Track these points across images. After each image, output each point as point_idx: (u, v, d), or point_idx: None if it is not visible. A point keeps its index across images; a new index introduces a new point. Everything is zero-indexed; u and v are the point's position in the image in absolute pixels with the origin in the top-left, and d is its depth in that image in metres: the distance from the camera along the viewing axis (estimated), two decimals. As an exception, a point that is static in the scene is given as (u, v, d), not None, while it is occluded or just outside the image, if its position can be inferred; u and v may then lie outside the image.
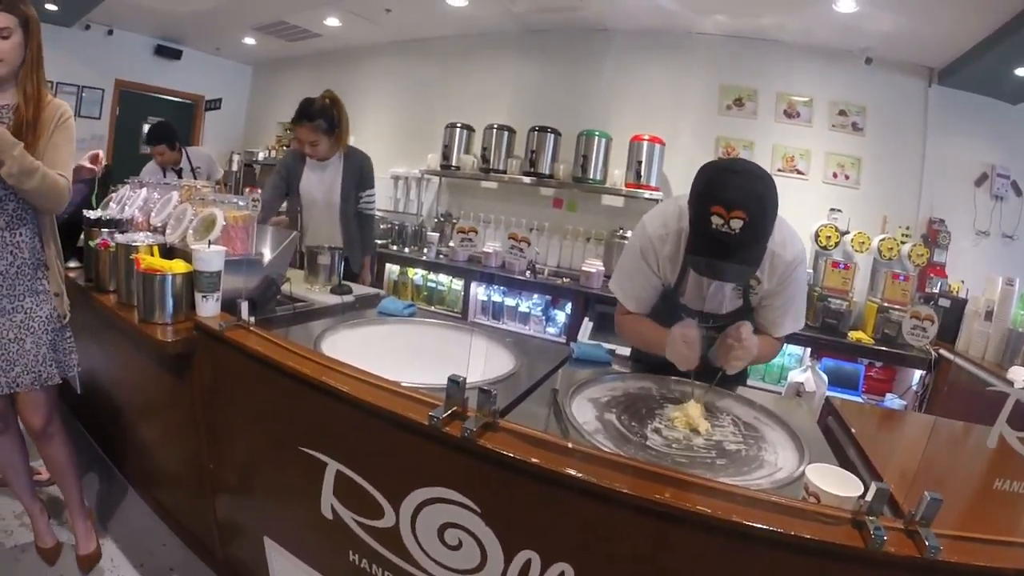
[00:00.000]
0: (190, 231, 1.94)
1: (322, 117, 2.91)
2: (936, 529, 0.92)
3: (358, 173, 3.07)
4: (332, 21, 5.44)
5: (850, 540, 0.93)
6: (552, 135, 4.68)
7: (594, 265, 4.30)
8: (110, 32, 6.14)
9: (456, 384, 1.15)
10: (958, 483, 1.26)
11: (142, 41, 6.45)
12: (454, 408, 1.15)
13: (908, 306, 3.58)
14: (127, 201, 2.49)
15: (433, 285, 5.06)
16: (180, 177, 4.15)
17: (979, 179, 4.12)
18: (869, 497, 0.96)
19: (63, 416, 1.98)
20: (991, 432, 0.96)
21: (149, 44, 6.50)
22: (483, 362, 1.62)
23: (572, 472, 1.03)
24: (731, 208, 1.34)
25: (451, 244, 4.76)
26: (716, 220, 1.35)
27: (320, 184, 3.04)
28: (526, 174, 4.76)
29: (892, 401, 3.72)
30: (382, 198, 5.54)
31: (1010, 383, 2.37)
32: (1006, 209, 4.12)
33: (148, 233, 2.13)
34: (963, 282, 3.90)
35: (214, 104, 7.07)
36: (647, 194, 4.31)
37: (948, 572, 0.92)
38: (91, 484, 2.43)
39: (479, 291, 4.76)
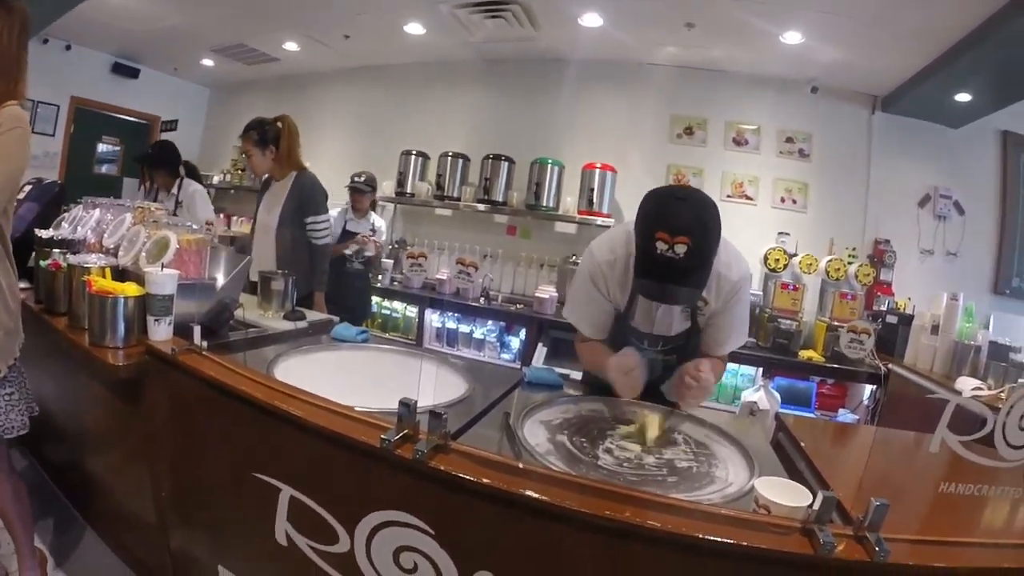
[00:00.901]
0: (143, 253, 1.91)
1: (255, 130, 2.93)
2: (886, 534, 0.95)
3: (299, 196, 3.01)
4: (291, 46, 5.46)
5: (800, 548, 0.95)
6: (506, 163, 4.78)
7: (547, 291, 4.35)
8: (68, 47, 6.03)
9: (407, 407, 1.15)
10: (907, 489, 1.30)
11: (100, 58, 6.35)
12: (405, 431, 1.15)
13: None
14: (80, 222, 2.43)
15: (387, 312, 5.04)
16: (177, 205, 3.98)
17: (922, 200, 4.34)
18: (817, 506, 0.98)
19: (9, 466, 1.87)
20: (933, 438, 1.00)
21: (107, 61, 6.41)
22: (434, 386, 1.62)
23: (524, 491, 1.04)
24: (675, 234, 1.38)
25: (404, 271, 4.76)
26: (661, 246, 1.39)
27: (267, 206, 3.03)
28: (480, 201, 4.83)
29: (844, 416, 3.82)
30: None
31: (956, 391, 2.47)
32: (949, 228, 4.34)
33: (100, 255, 2.08)
34: (909, 299, 4.08)
35: (170, 125, 6.96)
36: (599, 221, 4.41)
37: (899, 574, 0.95)
38: (42, 516, 2.32)
39: (433, 318, 4.76)
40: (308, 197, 3.04)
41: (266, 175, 3.12)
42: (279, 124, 2.98)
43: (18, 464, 2.55)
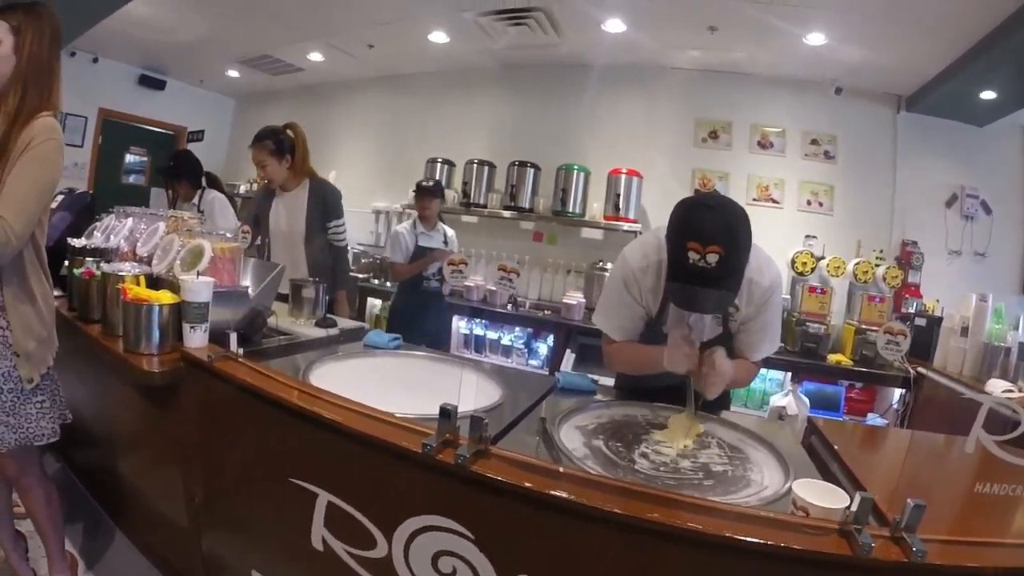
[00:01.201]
0: (177, 262, 1.94)
1: (270, 139, 2.92)
2: (922, 535, 0.95)
3: (322, 203, 3.03)
4: (315, 56, 5.52)
5: (839, 549, 0.95)
6: (532, 169, 4.78)
7: (575, 297, 4.35)
8: (95, 60, 6.16)
9: (448, 413, 1.17)
10: (942, 491, 1.30)
11: (126, 70, 6.48)
12: (446, 436, 1.17)
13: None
14: (112, 231, 2.48)
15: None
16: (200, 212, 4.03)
17: (949, 200, 4.27)
18: (854, 507, 0.98)
19: (40, 471, 1.89)
20: (968, 438, 1.00)
21: (133, 74, 6.54)
22: (474, 392, 1.63)
23: (564, 495, 1.04)
24: (707, 244, 1.39)
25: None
26: (693, 256, 1.40)
27: (285, 215, 3.04)
28: (506, 208, 4.85)
29: (873, 420, 3.77)
30: (363, 232, 5.57)
31: (987, 394, 2.43)
32: (976, 228, 4.27)
33: (134, 263, 2.13)
34: (938, 301, 4.01)
35: (196, 136, 7.07)
36: (626, 226, 4.41)
37: (937, 575, 0.94)
38: (73, 520, 2.37)
39: (461, 324, 4.77)
40: (332, 203, 3.07)
41: (269, 185, 3.11)
42: (290, 132, 2.99)
43: (49, 468, 2.61)
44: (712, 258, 1.38)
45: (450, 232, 4.01)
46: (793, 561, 0.97)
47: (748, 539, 0.97)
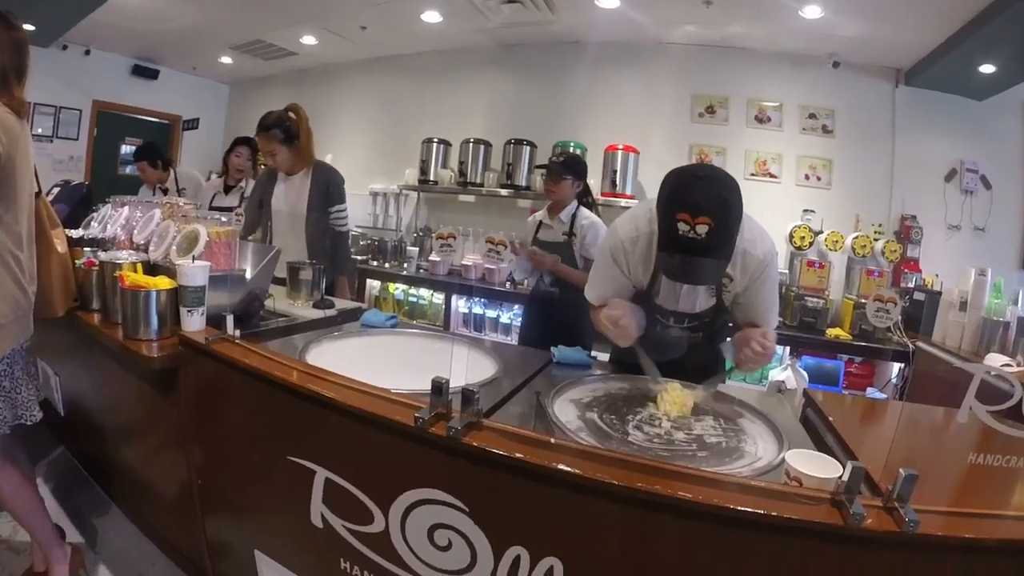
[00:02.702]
0: (173, 247, 1.95)
1: (278, 127, 2.91)
2: (916, 505, 0.95)
3: (325, 186, 3.04)
4: (308, 39, 5.48)
5: (830, 519, 0.96)
6: (528, 147, 4.77)
7: (573, 274, 4.32)
8: (87, 52, 6.12)
9: (439, 387, 1.18)
10: (936, 462, 1.30)
11: (119, 61, 6.44)
12: (439, 410, 1.18)
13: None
14: (109, 220, 2.49)
15: (414, 299, 5.09)
16: (165, 195, 4.15)
17: (948, 174, 4.25)
18: (846, 477, 0.99)
19: (10, 457, 1.83)
20: (961, 409, 1.00)
21: (126, 64, 6.50)
22: (465, 367, 1.64)
23: (556, 465, 1.05)
24: (696, 214, 1.39)
25: (431, 258, 4.78)
26: (682, 226, 1.40)
27: (287, 198, 3.04)
28: (503, 187, 4.84)
29: (873, 394, 3.78)
30: (362, 214, 5.57)
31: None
32: (976, 202, 4.25)
33: (131, 251, 2.14)
34: (937, 275, 4.01)
35: (191, 124, 7.05)
36: (623, 202, 4.39)
37: (928, 545, 0.95)
38: (77, 507, 2.40)
39: (460, 303, 4.80)
40: (335, 187, 3.08)
41: (272, 168, 3.11)
42: (292, 115, 2.98)
43: (45, 456, 2.65)
44: (702, 228, 1.38)
45: (585, 219, 2.96)
46: (785, 530, 0.98)
47: (739, 508, 0.97)
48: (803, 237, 4.07)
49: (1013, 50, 3.43)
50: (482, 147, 4.98)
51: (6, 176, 1.64)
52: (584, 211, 3.01)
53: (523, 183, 4.78)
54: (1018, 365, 2.81)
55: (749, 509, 0.97)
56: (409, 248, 5.12)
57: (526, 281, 3.41)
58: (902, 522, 0.93)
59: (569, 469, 1.04)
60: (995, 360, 2.85)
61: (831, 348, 3.81)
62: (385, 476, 1.27)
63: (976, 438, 1.09)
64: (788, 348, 3.84)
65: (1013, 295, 3.27)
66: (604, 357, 2.09)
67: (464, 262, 4.70)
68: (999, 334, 3.10)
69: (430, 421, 1.15)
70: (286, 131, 2.93)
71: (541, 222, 3.09)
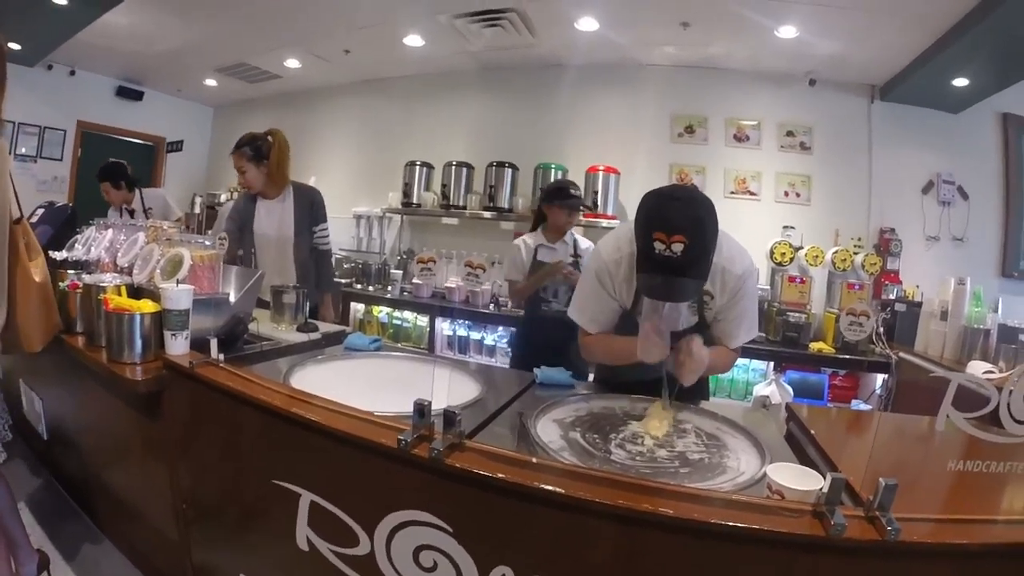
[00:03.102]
0: (157, 271, 1.95)
1: (248, 145, 2.93)
2: (899, 514, 0.96)
3: (308, 206, 3.06)
4: (292, 63, 5.53)
5: (812, 530, 0.97)
6: (510, 169, 4.81)
7: (556, 295, 4.34)
8: (72, 73, 6.17)
9: (421, 408, 1.19)
10: (919, 471, 1.32)
11: (104, 82, 6.48)
12: (421, 431, 1.18)
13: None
14: (93, 242, 2.48)
15: (399, 322, 5.08)
16: (132, 217, 4.13)
17: (926, 187, 4.34)
18: (826, 489, 1.00)
19: None
20: (938, 416, 1.02)
21: (111, 85, 6.54)
22: (447, 389, 1.65)
23: (538, 484, 1.06)
24: (671, 233, 1.41)
25: (415, 281, 4.78)
26: (658, 245, 1.43)
27: (271, 221, 3.04)
28: (486, 209, 4.87)
29: (858, 407, 3.82)
30: (345, 237, 5.58)
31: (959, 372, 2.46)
32: (954, 213, 4.33)
33: (115, 274, 2.13)
34: (918, 286, 4.07)
35: (175, 146, 7.06)
36: (604, 223, 4.42)
37: (912, 553, 0.96)
38: (62, 532, 2.37)
39: (444, 326, 4.79)
40: (318, 206, 3.11)
41: (249, 192, 3.09)
42: (269, 138, 2.99)
43: (32, 481, 2.60)
44: (677, 247, 1.41)
45: (584, 244, 3.12)
46: (768, 543, 0.99)
47: (722, 522, 0.98)
48: (783, 253, 4.12)
49: (986, 62, 3.52)
50: (465, 169, 5.02)
51: None
52: (577, 234, 3.16)
53: (506, 205, 4.82)
54: (1000, 371, 2.85)
55: (731, 523, 0.98)
56: (393, 271, 5.13)
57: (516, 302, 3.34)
58: (884, 531, 0.94)
59: (551, 488, 1.05)
60: (977, 367, 2.88)
61: (815, 362, 3.84)
62: (370, 498, 1.28)
63: (959, 445, 1.11)
64: (772, 363, 3.87)
65: (993, 303, 3.33)
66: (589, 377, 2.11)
67: (448, 284, 4.71)
68: (980, 342, 3.15)
69: (413, 443, 1.15)
70: (256, 150, 2.94)
71: (539, 246, 3.06)
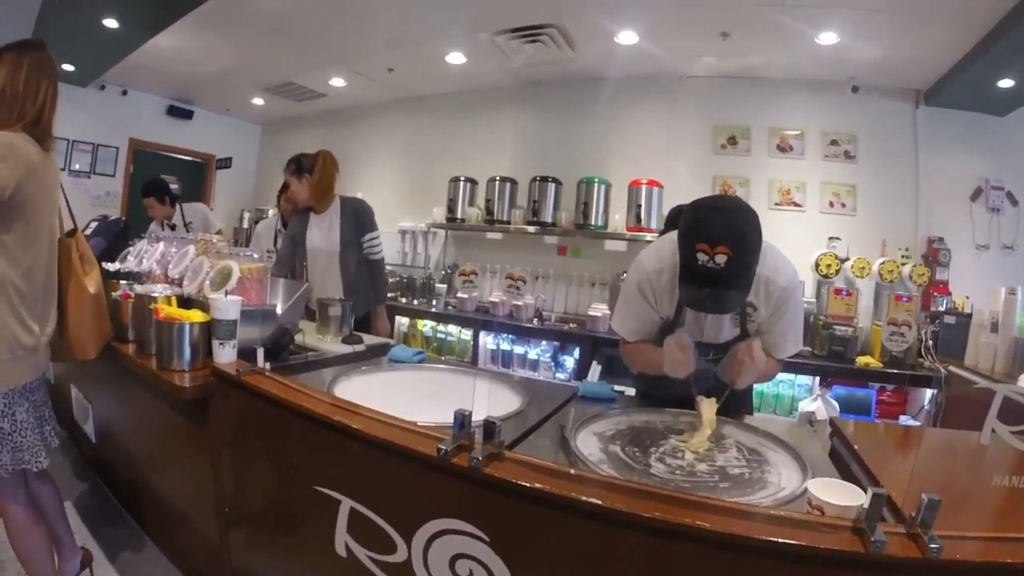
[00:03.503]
0: (207, 282, 2.02)
1: (294, 162, 3.08)
2: (942, 531, 0.93)
3: (354, 218, 3.14)
4: (337, 81, 5.67)
5: (851, 547, 0.95)
6: (553, 184, 4.83)
7: (600, 309, 4.36)
8: (124, 92, 6.43)
9: (462, 419, 1.20)
10: (964, 487, 1.28)
11: (155, 101, 6.74)
12: (461, 441, 1.20)
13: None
14: (144, 255, 2.59)
15: (443, 336, 5.12)
16: (173, 230, 4.28)
17: (974, 193, 4.20)
18: (867, 504, 0.97)
19: (18, 495, 1.81)
20: (984, 430, 0.99)
21: (162, 104, 6.79)
22: (487, 400, 1.66)
23: (575, 495, 1.07)
24: (714, 244, 1.41)
25: (459, 295, 4.83)
26: (702, 256, 1.43)
27: (321, 235, 3.13)
28: (530, 223, 4.89)
29: (906, 422, 3.70)
30: (391, 252, 5.66)
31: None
32: (1004, 220, 4.19)
33: (166, 285, 2.22)
34: (967, 297, 3.93)
35: (225, 163, 7.30)
36: (648, 237, 4.41)
37: (954, 571, 0.93)
38: (105, 532, 2.45)
39: (488, 340, 4.82)
40: (364, 216, 3.18)
41: (302, 206, 3.21)
42: (312, 156, 3.11)
43: (78, 486, 2.70)
44: (720, 258, 1.41)
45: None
46: (806, 559, 0.97)
47: (759, 537, 0.97)
48: (829, 265, 4.04)
49: (1031, 62, 3.40)
50: (508, 184, 5.05)
51: (16, 205, 1.63)
52: None
53: (549, 219, 4.84)
54: (1054, 384, 2.73)
55: (769, 538, 0.97)
56: (437, 285, 5.18)
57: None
58: (925, 548, 0.91)
59: (588, 499, 1.06)
60: (1030, 381, 2.78)
61: (862, 377, 3.73)
62: (409, 506, 1.30)
63: (1007, 460, 1.07)
64: (818, 378, 3.78)
65: (1046, 313, 3.19)
66: (630, 392, 2.10)
67: (491, 299, 4.74)
68: (1032, 354, 3.03)
69: (452, 452, 1.17)
70: (298, 163, 3.08)
71: None
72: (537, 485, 1.09)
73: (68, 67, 5.42)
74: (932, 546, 0.91)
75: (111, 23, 4.35)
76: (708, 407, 1.59)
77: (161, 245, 2.58)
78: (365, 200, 3.28)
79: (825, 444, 1.71)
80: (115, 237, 3.41)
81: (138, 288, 2.10)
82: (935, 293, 3.99)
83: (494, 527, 1.17)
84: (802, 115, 4.45)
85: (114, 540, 2.42)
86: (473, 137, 5.56)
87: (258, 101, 6.55)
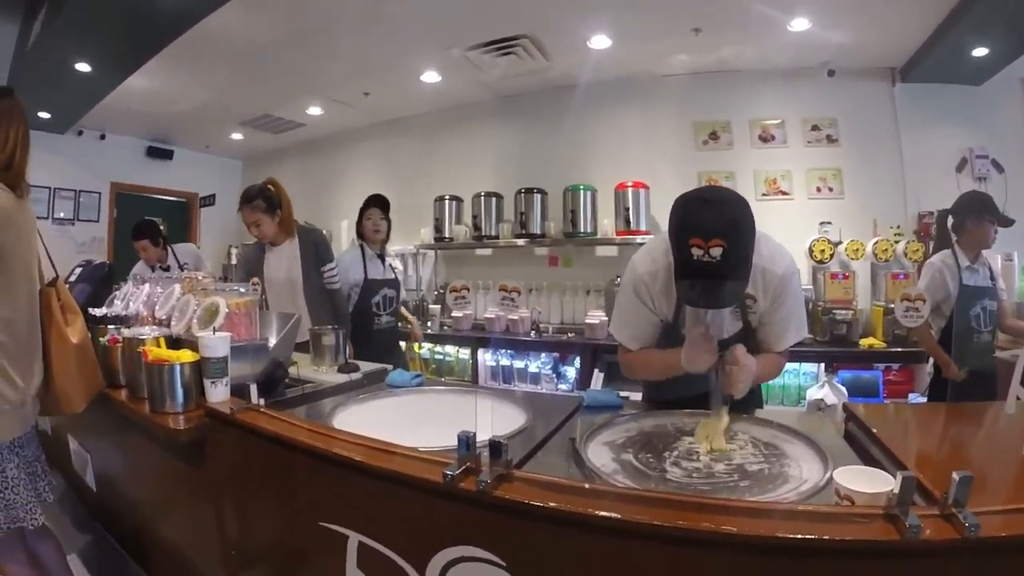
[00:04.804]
0: (195, 320, 1.97)
1: (260, 198, 2.98)
2: (975, 508, 0.90)
3: (313, 248, 3.10)
4: (314, 110, 5.66)
5: (886, 535, 0.91)
6: (539, 195, 4.82)
7: (597, 316, 4.34)
8: (102, 137, 6.38)
9: (466, 440, 1.16)
10: (990, 460, 1.24)
11: (134, 143, 6.69)
12: (467, 464, 1.15)
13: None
14: (131, 297, 2.53)
15: (440, 357, 5.07)
16: (167, 272, 4.21)
17: (959, 164, 4.22)
18: (897, 489, 0.93)
19: (18, 553, 1.79)
20: (1008, 398, 0.95)
21: (141, 146, 6.75)
22: (491, 419, 1.61)
23: (592, 511, 1.02)
24: (709, 238, 1.37)
25: (454, 314, 4.77)
26: (696, 251, 1.38)
27: (280, 266, 3.09)
28: (518, 236, 4.89)
29: (915, 400, 3.66)
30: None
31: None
32: (991, 188, 4.17)
33: (153, 326, 2.17)
34: (965, 267, 3.90)
35: (208, 200, 7.26)
36: (639, 239, 4.40)
37: (993, 548, 0.90)
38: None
39: (486, 357, 4.77)
40: (322, 246, 3.15)
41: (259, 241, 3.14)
42: (272, 188, 3.04)
43: (83, 537, 2.63)
44: (716, 251, 1.36)
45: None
46: (839, 553, 0.93)
47: (789, 536, 0.93)
48: (823, 250, 4.03)
49: (1004, 29, 3.42)
50: (494, 199, 5.04)
51: None
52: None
53: (538, 230, 4.82)
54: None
55: (799, 535, 0.92)
56: (431, 306, 5.15)
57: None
58: (962, 528, 0.87)
59: (606, 513, 1.01)
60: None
61: (867, 359, 3.72)
62: (419, 536, 1.24)
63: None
64: (823, 365, 3.75)
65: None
66: (636, 396, 2.06)
67: (486, 315, 4.70)
68: (1034, 318, 3.01)
69: (459, 476, 1.12)
70: (268, 200, 2.99)
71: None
72: (551, 504, 1.04)
73: (44, 115, 5.38)
74: (968, 525, 0.87)
75: (83, 67, 4.32)
76: (715, 430, 1.53)
77: (147, 287, 2.53)
78: (319, 229, 3.25)
79: (839, 429, 1.67)
80: (99, 282, 3.36)
81: (126, 332, 2.04)
82: (931, 268, 3.97)
83: (510, 551, 1.11)
84: (781, 104, 4.46)
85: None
86: (455, 155, 5.55)
87: (237, 136, 6.52)
